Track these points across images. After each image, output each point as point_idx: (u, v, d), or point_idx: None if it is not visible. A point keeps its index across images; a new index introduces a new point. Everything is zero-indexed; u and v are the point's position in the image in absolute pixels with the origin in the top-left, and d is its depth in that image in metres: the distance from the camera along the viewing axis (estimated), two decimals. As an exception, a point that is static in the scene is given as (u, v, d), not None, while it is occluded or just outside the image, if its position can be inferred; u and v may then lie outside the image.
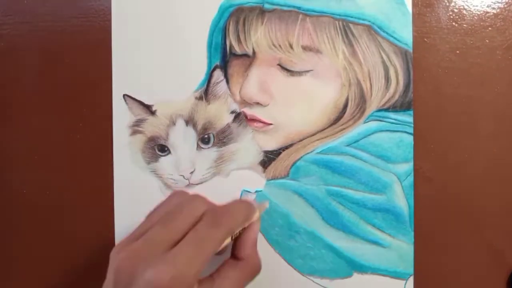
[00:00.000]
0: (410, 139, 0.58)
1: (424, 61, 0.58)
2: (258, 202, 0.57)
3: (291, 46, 0.57)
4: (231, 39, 0.58)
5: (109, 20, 0.60)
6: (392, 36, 0.57)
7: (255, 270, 0.51)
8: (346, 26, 0.57)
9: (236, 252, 0.51)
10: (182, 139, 0.59)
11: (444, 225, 0.59)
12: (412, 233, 0.58)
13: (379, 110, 0.58)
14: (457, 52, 0.58)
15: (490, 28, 0.58)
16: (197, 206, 0.49)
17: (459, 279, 0.60)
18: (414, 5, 0.58)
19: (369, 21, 0.57)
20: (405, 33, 0.57)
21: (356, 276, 0.59)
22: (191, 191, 0.58)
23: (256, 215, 0.52)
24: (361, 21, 0.57)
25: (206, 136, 0.58)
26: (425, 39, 0.58)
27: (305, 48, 0.57)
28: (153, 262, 0.42)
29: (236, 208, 0.51)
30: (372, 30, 0.57)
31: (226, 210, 0.50)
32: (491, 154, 0.59)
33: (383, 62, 0.57)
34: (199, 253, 0.45)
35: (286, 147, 0.59)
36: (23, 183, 0.62)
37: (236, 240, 0.51)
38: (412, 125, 0.58)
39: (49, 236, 0.62)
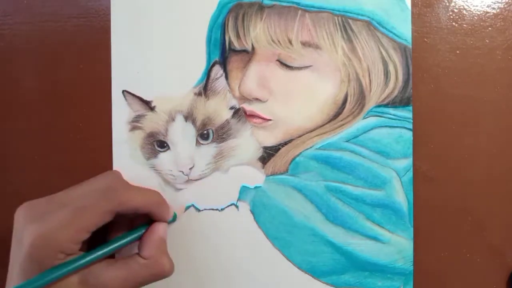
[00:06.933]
0: (409, 134, 0.58)
1: (424, 61, 0.58)
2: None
3: (290, 42, 0.57)
4: (230, 34, 0.58)
5: (109, 20, 0.60)
6: (391, 32, 0.57)
7: (158, 273, 0.51)
8: (345, 22, 0.57)
9: (139, 250, 0.52)
10: (181, 135, 0.58)
11: (444, 225, 0.59)
12: (411, 229, 0.58)
13: (378, 106, 0.58)
14: (457, 52, 0.58)
15: (490, 28, 0.58)
16: (108, 177, 0.53)
17: (459, 279, 0.59)
18: (414, 5, 0.58)
19: (368, 17, 0.57)
20: (404, 29, 0.57)
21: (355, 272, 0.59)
22: (191, 186, 0.59)
23: (165, 216, 0.54)
24: (360, 17, 0.57)
25: (205, 132, 0.58)
26: (425, 39, 0.58)
27: (304, 44, 0.57)
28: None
29: (141, 191, 0.53)
30: (371, 26, 0.57)
31: (127, 187, 0.52)
32: (491, 154, 0.59)
33: (382, 58, 0.57)
34: (74, 219, 0.47)
35: (285, 143, 0.58)
36: (23, 183, 0.62)
37: (141, 238, 0.53)
38: (411, 120, 0.58)
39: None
